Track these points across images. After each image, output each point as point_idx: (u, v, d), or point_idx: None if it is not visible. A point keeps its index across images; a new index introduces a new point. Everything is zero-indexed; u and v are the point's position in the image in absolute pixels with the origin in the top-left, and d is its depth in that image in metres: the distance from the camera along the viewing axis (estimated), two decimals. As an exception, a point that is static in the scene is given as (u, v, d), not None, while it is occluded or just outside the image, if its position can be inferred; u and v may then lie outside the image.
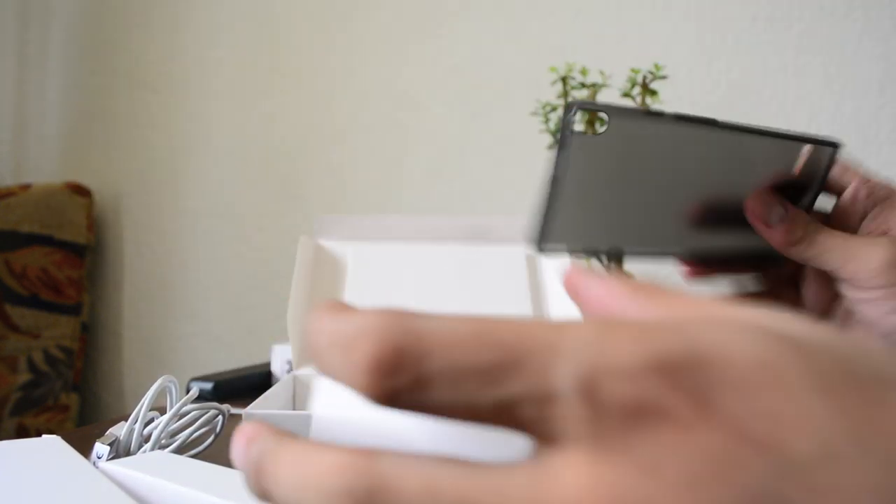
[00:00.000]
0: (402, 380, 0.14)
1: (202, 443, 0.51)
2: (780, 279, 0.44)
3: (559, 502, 0.13)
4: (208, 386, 0.79)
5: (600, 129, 0.34)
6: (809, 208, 0.41)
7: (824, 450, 0.14)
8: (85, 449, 0.44)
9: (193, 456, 0.49)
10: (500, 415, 0.14)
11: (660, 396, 0.14)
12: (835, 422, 0.14)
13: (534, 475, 0.14)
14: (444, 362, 0.14)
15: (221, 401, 0.56)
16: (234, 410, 0.54)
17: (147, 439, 0.48)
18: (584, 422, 0.14)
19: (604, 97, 0.90)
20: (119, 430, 0.47)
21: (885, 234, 0.38)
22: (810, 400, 0.14)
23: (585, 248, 0.36)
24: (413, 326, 0.15)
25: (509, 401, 0.14)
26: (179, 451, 0.49)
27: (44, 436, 0.43)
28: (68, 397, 1.26)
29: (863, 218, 0.39)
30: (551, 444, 0.14)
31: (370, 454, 0.15)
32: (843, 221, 0.40)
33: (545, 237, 0.35)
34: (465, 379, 0.14)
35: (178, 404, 0.49)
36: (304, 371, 0.68)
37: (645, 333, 0.15)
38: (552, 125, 0.89)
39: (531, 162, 1.07)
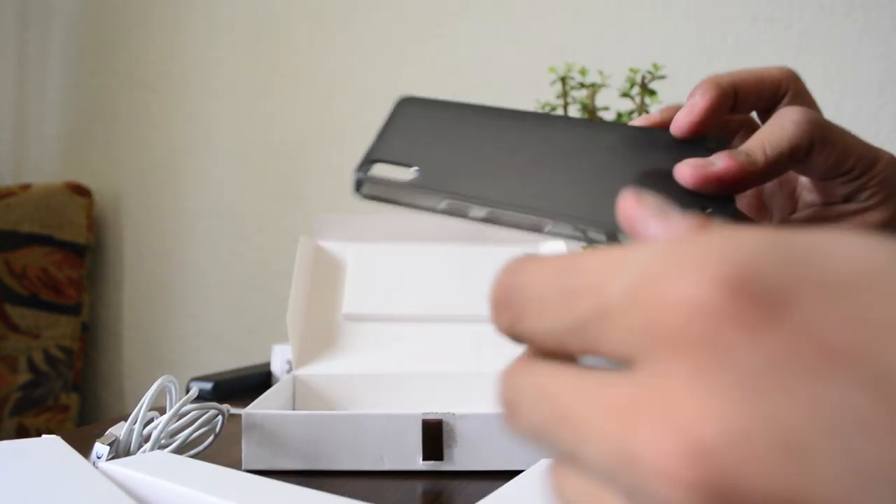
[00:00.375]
0: (506, 315, 0.17)
1: (202, 443, 0.52)
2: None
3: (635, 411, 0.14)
4: (208, 386, 0.79)
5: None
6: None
7: None
8: (85, 449, 0.44)
9: (193, 456, 0.49)
10: (581, 341, 0.16)
11: (723, 300, 0.13)
12: None
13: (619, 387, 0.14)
14: (531, 295, 0.17)
15: (221, 401, 0.56)
16: (234, 410, 0.54)
17: (147, 439, 0.48)
18: (644, 332, 0.14)
19: (603, 97, 0.90)
20: (119, 430, 0.47)
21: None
22: None
23: (426, 190, 0.30)
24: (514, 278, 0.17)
25: (581, 323, 0.15)
26: (179, 451, 0.49)
27: (44, 436, 0.43)
28: (68, 397, 1.27)
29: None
30: (630, 365, 0.15)
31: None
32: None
33: (367, 164, 0.30)
34: (545, 310, 0.16)
35: (177, 404, 0.49)
36: (304, 371, 0.68)
37: (716, 242, 0.14)
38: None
39: (531, 162, 1.07)
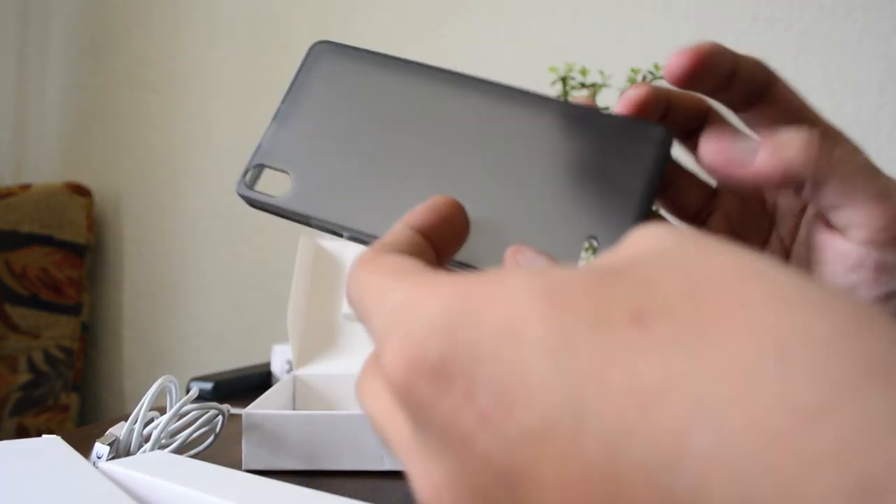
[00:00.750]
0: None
1: (202, 443, 0.52)
2: None
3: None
4: (208, 386, 0.79)
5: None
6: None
7: (543, 424, 0.13)
8: (85, 449, 0.44)
9: (193, 456, 0.49)
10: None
11: (405, 378, 0.15)
12: (561, 384, 0.13)
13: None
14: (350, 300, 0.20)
15: (221, 401, 0.56)
16: (234, 410, 0.54)
17: (147, 439, 0.48)
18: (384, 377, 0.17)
19: (604, 97, 0.90)
20: (119, 430, 0.47)
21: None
22: (545, 361, 0.13)
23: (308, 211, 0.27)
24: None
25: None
26: (179, 451, 0.49)
27: (44, 436, 0.43)
28: (68, 397, 1.26)
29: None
30: None
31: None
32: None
33: (250, 171, 0.28)
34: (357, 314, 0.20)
35: (177, 404, 0.49)
36: (304, 371, 0.68)
37: (415, 328, 0.16)
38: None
39: (531, 162, 1.07)
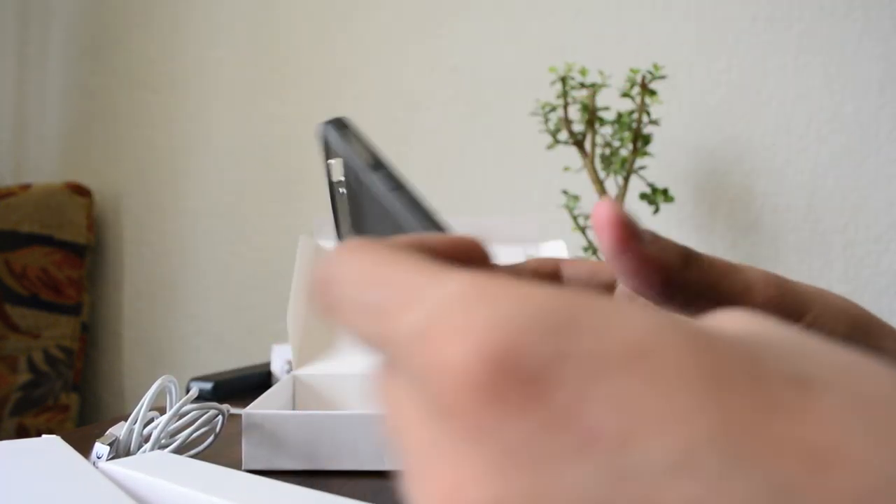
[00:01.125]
0: (322, 303, 0.17)
1: (202, 443, 0.52)
2: None
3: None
4: (208, 386, 0.79)
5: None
6: None
7: (682, 457, 0.11)
8: (85, 449, 0.44)
9: (193, 456, 0.49)
10: (377, 351, 0.16)
11: (485, 376, 0.13)
12: (708, 424, 0.12)
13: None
14: (343, 294, 0.16)
15: (221, 401, 0.56)
16: (234, 410, 0.54)
17: (147, 439, 0.48)
18: (420, 384, 0.14)
19: (603, 97, 0.90)
20: (119, 430, 0.47)
21: None
22: (685, 395, 0.12)
23: None
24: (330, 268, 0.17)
25: (376, 341, 0.15)
26: (179, 451, 0.49)
27: (44, 436, 0.43)
28: (68, 397, 1.27)
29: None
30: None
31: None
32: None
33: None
34: (350, 313, 0.16)
35: (177, 404, 0.49)
36: (304, 371, 0.68)
37: (500, 303, 0.13)
38: (552, 125, 0.89)
39: (531, 162, 1.07)
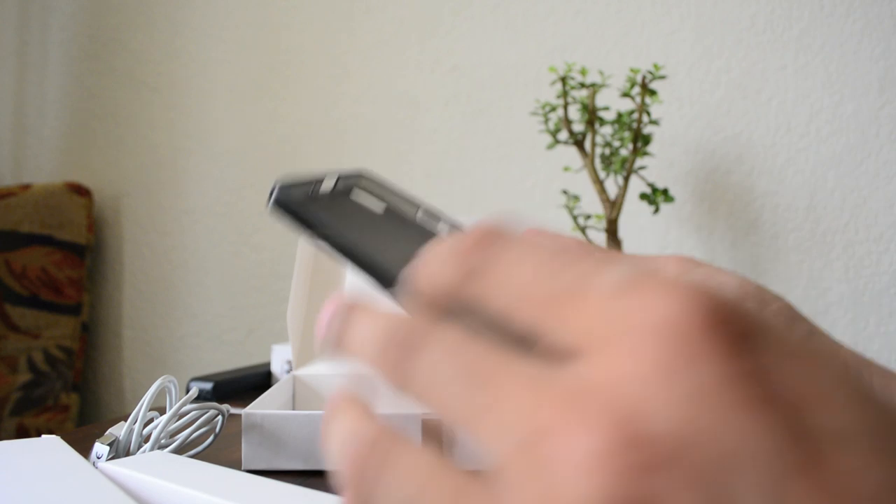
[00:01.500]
0: (466, 268, 0.17)
1: (202, 443, 0.52)
2: None
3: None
4: (208, 386, 0.79)
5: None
6: None
7: (845, 431, 0.13)
8: (85, 449, 0.44)
9: (193, 456, 0.49)
10: (547, 313, 0.16)
11: (699, 331, 0.14)
12: (863, 417, 0.14)
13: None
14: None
15: (221, 401, 0.56)
16: (234, 410, 0.54)
17: (147, 439, 0.48)
18: (619, 320, 0.15)
19: (603, 97, 0.90)
20: (119, 430, 0.47)
21: None
22: (845, 389, 0.14)
23: None
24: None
25: (557, 293, 0.16)
26: (179, 451, 0.49)
27: (44, 436, 0.43)
28: (68, 397, 1.27)
29: None
30: (577, 355, 0.16)
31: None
32: None
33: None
34: (524, 275, 0.16)
35: (177, 404, 0.49)
36: (304, 371, 0.68)
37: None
38: (552, 125, 0.89)
39: (531, 162, 1.07)
